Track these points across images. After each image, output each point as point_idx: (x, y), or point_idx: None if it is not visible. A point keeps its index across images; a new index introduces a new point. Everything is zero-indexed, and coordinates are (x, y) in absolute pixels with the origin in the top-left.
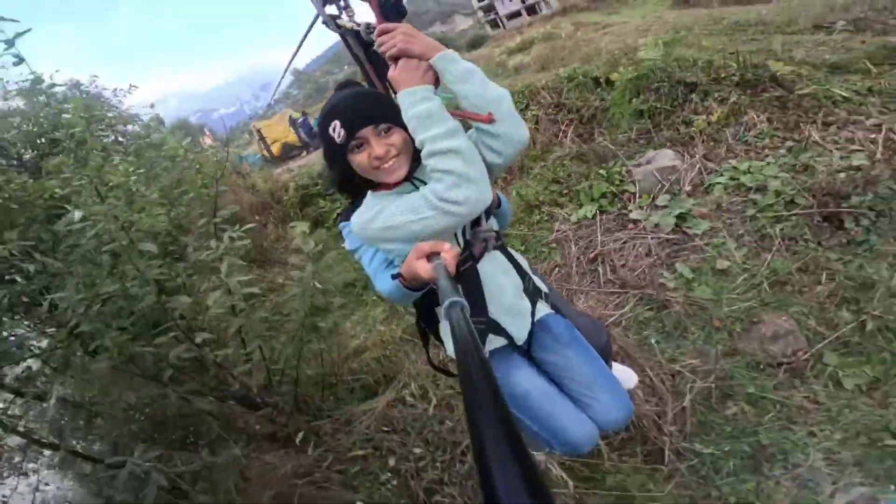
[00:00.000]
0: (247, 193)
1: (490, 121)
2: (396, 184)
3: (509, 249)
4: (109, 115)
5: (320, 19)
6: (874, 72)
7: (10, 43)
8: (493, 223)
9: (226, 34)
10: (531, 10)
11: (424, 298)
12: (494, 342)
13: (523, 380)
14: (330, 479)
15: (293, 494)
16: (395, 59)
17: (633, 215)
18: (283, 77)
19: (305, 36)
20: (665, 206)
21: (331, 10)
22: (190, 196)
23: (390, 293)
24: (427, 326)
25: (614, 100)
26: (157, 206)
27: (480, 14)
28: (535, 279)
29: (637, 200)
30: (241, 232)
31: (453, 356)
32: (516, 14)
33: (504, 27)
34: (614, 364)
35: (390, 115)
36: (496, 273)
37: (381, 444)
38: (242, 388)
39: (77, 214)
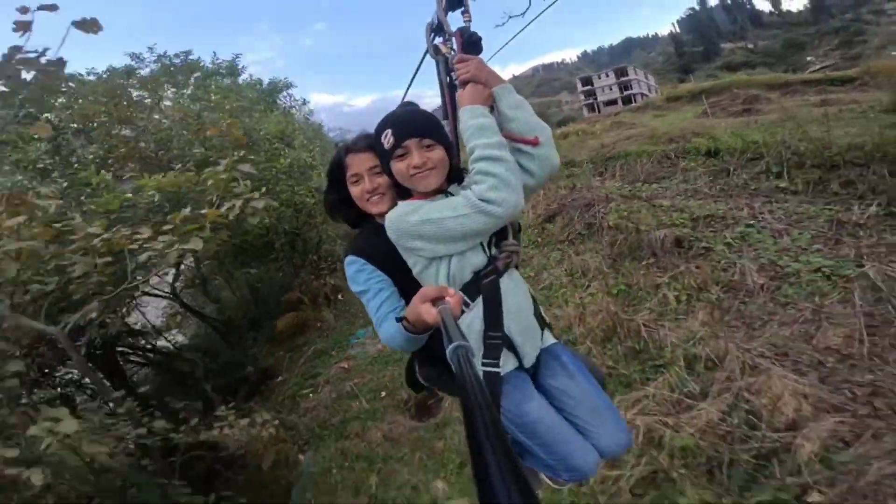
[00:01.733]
0: None
1: (536, 143)
2: (430, 195)
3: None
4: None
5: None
6: None
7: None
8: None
9: (389, 60)
10: (626, 101)
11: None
12: (506, 360)
13: (535, 408)
14: None
15: None
16: (466, 83)
17: None
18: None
19: (418, 67)
20: None
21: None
22: None
23: (392, 337)
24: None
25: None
26: None
27: (581, 97)
28: (541, 309)
29: None
30: None
31: (424, 378)
32: (612, 102)
33: (599, 112)
34: None
35: (435, 134)
36: (516, 291)
37: None
38: None
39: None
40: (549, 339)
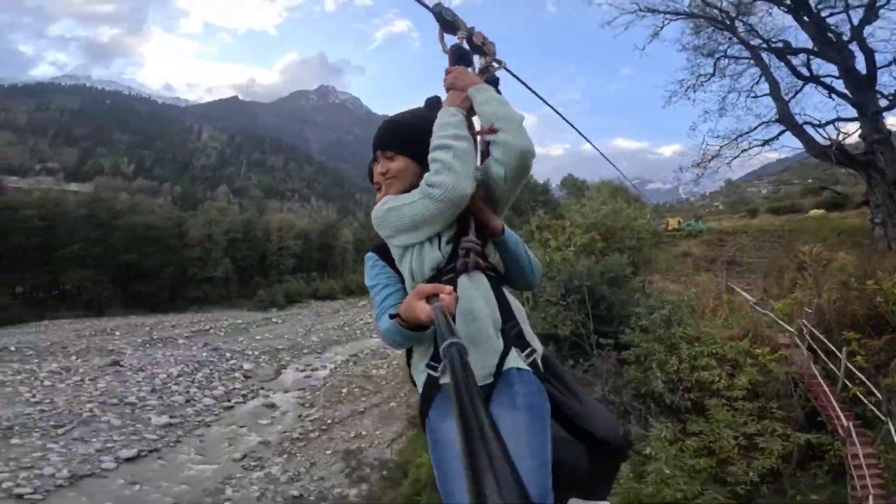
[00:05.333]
0: None
1: (492, 131)
2: None
3: (505, 289)
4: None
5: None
6: None
7: None
8: (492, 251)
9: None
10: None
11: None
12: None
13: (449, 429)
14: None
15: None
16: (448, 90)
17: None
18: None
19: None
20: None
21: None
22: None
23: (388, 332)
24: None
25: None
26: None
27: None
28: (528, 332)
29: None
30: None
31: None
32: None
33: None
34: None
35: (399, 144)
36: (472, 296)
37: None
38: None
39: None
40: (515, 363)
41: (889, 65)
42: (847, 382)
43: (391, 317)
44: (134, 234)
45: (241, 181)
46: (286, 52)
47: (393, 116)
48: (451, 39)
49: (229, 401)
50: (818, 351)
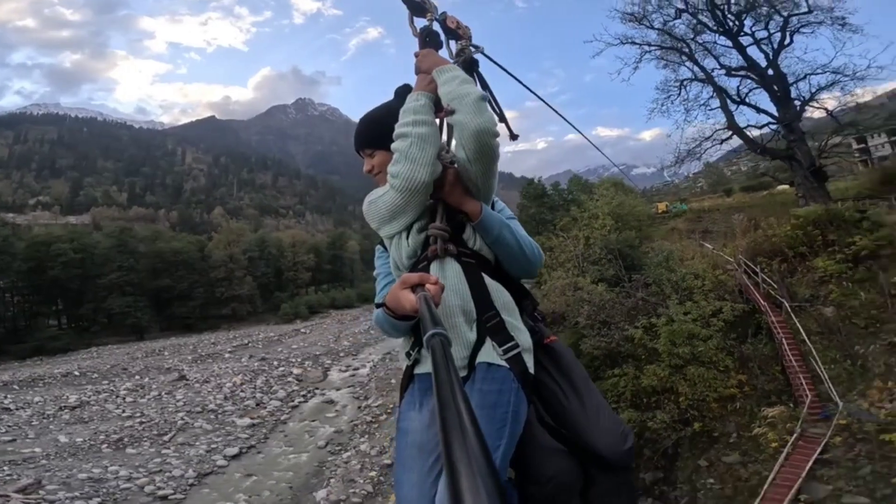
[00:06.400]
0: None
1: (448, 112)
2: None
3: (484, 276)
4: None
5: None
6: None
7: None
8: (472, 236)
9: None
10: None
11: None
12: (425, 360)
13: (412, 419)
14: None
15: None
16: (417, 74)
17: None
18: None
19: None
20: None
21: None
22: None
23: (378, 320)
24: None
25: None
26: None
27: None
28: (513, 324)
29: None
30: None
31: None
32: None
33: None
34: None
35: (372, 141)
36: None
37: None
38: None
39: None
40: (489, 357)
41: (804, 77)
42: (763, 285)
43: (377, 306)
44: (162, 260)
45: (235, 201)
46: (259, 67)
47: (365, 115)
48: (421, 23)
49: (293, 401)
50: (748, 271)
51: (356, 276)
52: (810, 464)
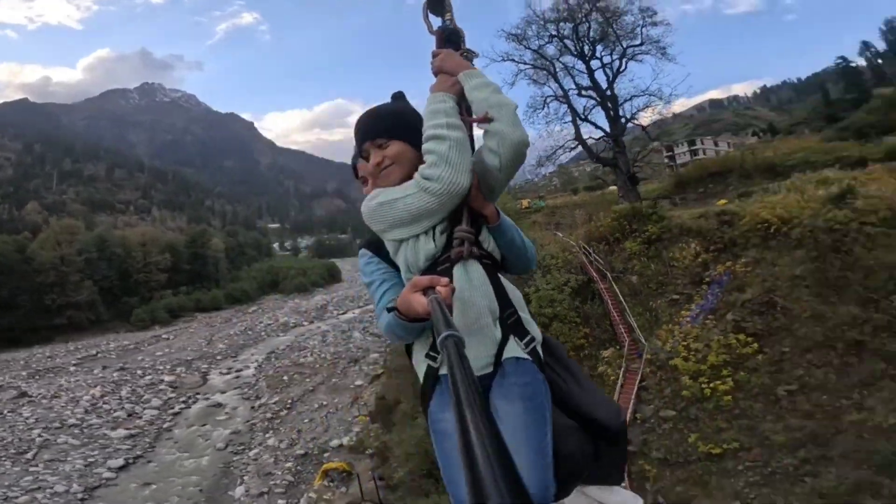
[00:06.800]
0: None
1: (486, 119)
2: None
3: (501, 276)
4: None
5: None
6: None
7: None
8: (486, 238)
9: None
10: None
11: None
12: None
13: (451, 421)
14: None
15: None
16: (436, 74)
17: None
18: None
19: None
20: None
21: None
22: None
23: (389, 326)
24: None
25: None
26: None
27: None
28: (527, 320)
29: None
30: None
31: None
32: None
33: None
34: (620, 489)
35: (386, 132)
36: (470, 287)
37: None
38: None
39: None
40: (514, 352)
41: (630, 99)
42: (595, 262)
43: (388, 310)
44: None
45: (54, 195)
46: (95, 48)
47: (375, 108)
48: (436, 21)
49: (173, 408)
50: (585, 252)
51: (222, 276)
52: (635, 390)
